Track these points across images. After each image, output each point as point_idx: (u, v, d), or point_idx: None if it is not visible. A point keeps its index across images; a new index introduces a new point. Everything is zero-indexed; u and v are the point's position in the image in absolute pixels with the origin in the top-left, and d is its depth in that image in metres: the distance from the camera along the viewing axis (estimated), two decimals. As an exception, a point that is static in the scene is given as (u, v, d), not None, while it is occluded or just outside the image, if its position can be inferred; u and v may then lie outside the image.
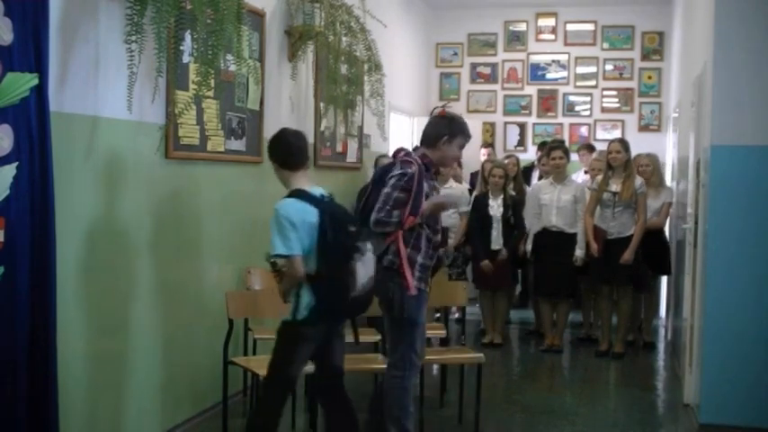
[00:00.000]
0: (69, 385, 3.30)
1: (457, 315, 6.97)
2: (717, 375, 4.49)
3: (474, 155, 8.66)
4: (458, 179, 7.12)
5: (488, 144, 9.17)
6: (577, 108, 9.84)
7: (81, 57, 3.41)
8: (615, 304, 6.39)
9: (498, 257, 6.45)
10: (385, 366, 3.86)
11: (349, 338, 3.69)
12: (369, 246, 3.34)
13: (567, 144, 7.78)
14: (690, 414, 4.79)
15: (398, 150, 3.81)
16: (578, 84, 9.83)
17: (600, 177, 6.28)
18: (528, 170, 8.26)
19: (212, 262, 4.42)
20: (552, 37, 9.90)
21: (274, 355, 3.45)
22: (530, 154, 9.25)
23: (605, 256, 6.11)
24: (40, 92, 3.00)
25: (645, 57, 9.61)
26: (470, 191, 7.20)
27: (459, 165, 7.53)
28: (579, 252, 6.25)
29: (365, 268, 3.31)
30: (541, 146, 8.42)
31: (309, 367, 4.24)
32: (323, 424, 3.65)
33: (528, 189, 7.21)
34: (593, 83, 9.78)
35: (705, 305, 4.57)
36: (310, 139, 6.06)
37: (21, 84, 2.91)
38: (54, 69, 3.17)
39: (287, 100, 5.64)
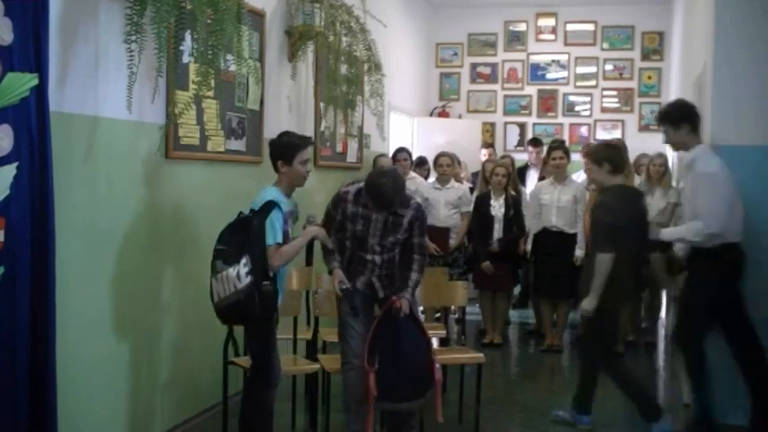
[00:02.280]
0: (69, 385, 3.29)
1: (457, 315, 6.97)
2: (717, 375, 4.48)
3: (474, 155, 8.67)
4: (458, 179, 7.12)
5: (488, 144, 9.17)
6: (577, 108, 9.84)
7: (81, 57, 3.41)
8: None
9: (490, 249, 6.46)
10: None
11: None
12: (228, 267, 3.46)
13: (567, 144, 7.78)
14: (690, 414, 4.78)
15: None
16: (578, 84, 9.83)
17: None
18: (522, 170, 8.26)
19: (212, 262, 4.42)
20: (552, 37, 9.90)
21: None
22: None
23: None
24: (40, 92, 3.00)
25: (645, 57, 9.61)
26: (471, 190, 7.21)
27: (459, 164, 7.53)
28: (579, 252, 6.24)
29: (217, 285, 3.50)
30: (533, 142, 8.41)
31: (310, 366, 4.27)
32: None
33: (524, 189, 7.21)
34: (593, 83, 9.78)
35: (705, 305, 4.56)
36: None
37: (21, 84, 2.91)
38: (54, 69, 3.17)
39: (287, 100, 5.64)
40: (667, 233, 4.51)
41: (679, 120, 4.31)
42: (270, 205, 3.55)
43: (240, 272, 3.42)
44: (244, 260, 3.43)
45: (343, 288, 3.84)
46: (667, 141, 4.52)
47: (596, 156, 4.57)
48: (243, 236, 3.50)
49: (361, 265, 3.96)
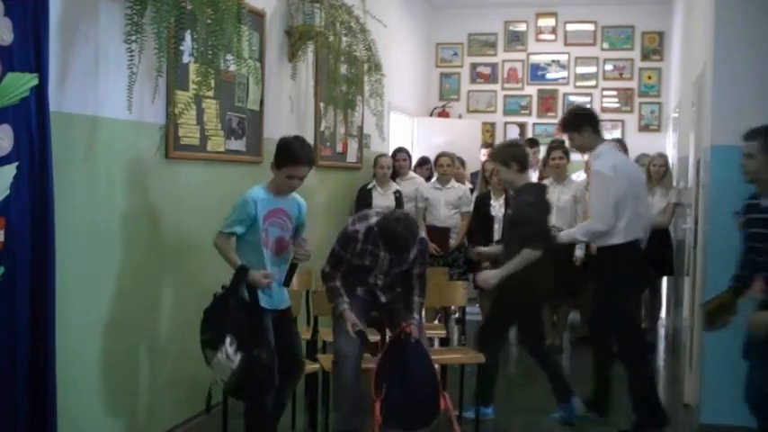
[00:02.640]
0: (69, 385, 3.29)
1: (457, 315, 6.97)
2: (717, 375, 4.49)
3: (474, 155, 8.66)
4: (460, 179, 7.11)
5: (488, 144, 9.16)
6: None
7: (81, 57, 3.41)
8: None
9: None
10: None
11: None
12: (217, 352, 3.46)
13: (566, 144, 7.76)
14: (690, 414, 4.79)
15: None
16: (578, 84, 9.83)
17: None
18: None
19: (212, 262, 4.42)
20: (552, 37, 9.90)
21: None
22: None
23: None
24: (40, 92, 3.00)
25: (645, 57, 9.61)
26: (471, 190, 7.20)
27: (463, 164, 7.53)
28: (579, 252, 6.24)
29: (216, 372, 3.52)
30: (529, 143, 8.39)
31: (310, 366, 4.26)
32: None
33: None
34: (593, 83, 9.78)
35: (705, 305, 4.56)
36: (310, 139, 6.07)
37: (21, 84, 2.91)
38: (54, 69, 3.17)
39: (287, 100, 5.64)
40: (563, 235, 4.69)
41: (581, 124, 4.51)
42: (239, 279, 3.56)
43: (228, 352, 3.43)
44: (228, 339, 3.43)
45: (357, 330, 3.86)
46: (573, 146, 4.75)
47: (503, 156, 4.64)
48: (221, 317, 3.50)
49: (361, 280, 4.02)
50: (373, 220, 3.88)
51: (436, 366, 5.14)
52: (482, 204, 6.57)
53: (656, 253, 6.35)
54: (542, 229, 4.52)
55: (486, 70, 10.10)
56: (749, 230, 3.57)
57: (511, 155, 4.59)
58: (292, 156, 3.60)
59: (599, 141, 4.55)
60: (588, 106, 4.74)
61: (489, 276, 4.49)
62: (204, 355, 3.54)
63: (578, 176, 7.46)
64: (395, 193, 6.62)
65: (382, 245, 3.79)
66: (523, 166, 4.60)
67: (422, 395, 3.77)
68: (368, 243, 3.87)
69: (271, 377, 3.58)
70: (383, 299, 4.05)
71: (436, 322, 6.18)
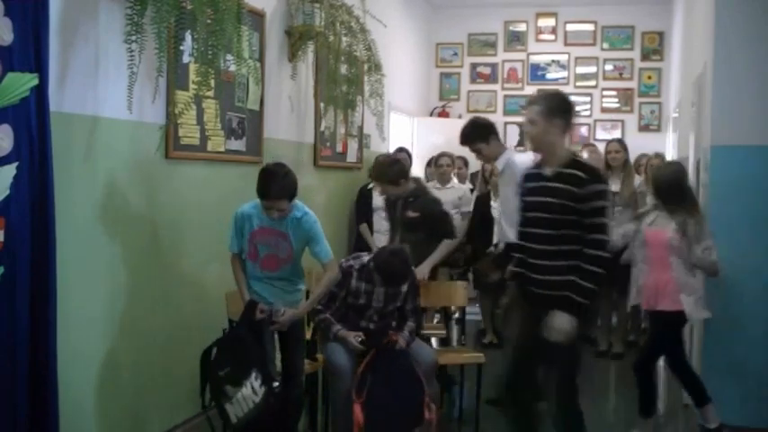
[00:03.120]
0: (69, 385, 3.29)
1: (457, 315, 6.97)
2: (716, 376, 4.49)
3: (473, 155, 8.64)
4: (461, 179, 7.11)
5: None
6: (577, 108, 9.82)
7: (81, 57, 3.41)
8: (615, 304, 6.38)
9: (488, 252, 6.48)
10: None
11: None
12: (241, 388, 3.48)
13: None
14: (690, 414, 4.78)
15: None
16: (578, 84, 9.82)
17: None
18: None
19: (212, 262, 4.43)
20: (552, 37, 9.90)
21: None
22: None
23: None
24: (40, 92, 3.00)
25: (645, 57, 9.61)
26: (471, 191, 7.20)
27: (466, 164, 7.53)
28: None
29: (233, 408, 3.51)
30: None
31: (310, 366, 4.27)
32: None
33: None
34: (593, 83, 9.78)
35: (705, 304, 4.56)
36: (310, 140, 6.07)
37: (21, 84, 2.91)
38: (54, 69, 3.17)
39: (287, 100, 5.64)
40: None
41: (486, 134, 4.72)
42: (249, 315, 3.62)
43: (254, 386, 3.47)
44: (254, 374, 3.47)
45: (360, 341, 3.92)
46: (484, 157, 4.93)
47: (390, 177, 4.86)
48: (241, 351, 3.53)
49: (353, 325, 4.06)
50: (366, 258, 4.06)
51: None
52: (482, 204, 6.56)
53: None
54: (452, 221, 5.04)
55: (486, 70, 10.09)
56: (530, 199, 3.47)
57: (397, 173, 4.83)
58: (260, 189, 3.61)
59: (504, 149, 4.81)
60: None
61: (422, 268, 4.66)
62: (220, 392, 3.52)
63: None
64: (395, 192, 6.61)
65: (379, 279, 3.92)
66: (407, 177, 4.92)
67: (403, 403, 3.80)
68: (362, 280, 3.99)
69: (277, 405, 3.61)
70: (372, 326, 4.10)
71: (436, 322, 6.18)
